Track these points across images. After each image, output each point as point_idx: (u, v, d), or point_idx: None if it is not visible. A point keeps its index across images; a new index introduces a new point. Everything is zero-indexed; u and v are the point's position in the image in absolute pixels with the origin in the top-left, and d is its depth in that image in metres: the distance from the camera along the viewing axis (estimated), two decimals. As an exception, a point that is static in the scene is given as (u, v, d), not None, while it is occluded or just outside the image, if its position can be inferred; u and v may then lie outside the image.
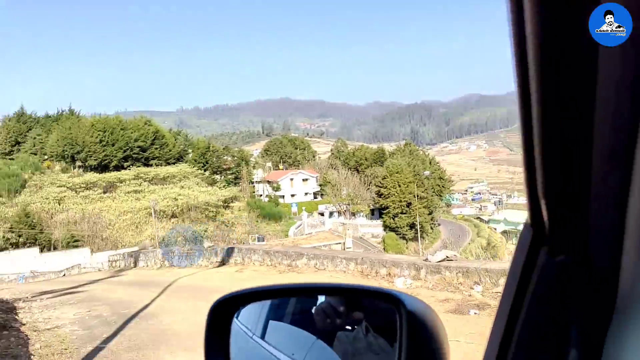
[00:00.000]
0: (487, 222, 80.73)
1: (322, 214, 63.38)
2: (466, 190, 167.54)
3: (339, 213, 65.07)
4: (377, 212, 64.17)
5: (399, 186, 58.43)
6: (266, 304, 1.62)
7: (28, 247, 39.85)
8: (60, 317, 10.69)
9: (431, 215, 62.19)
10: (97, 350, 7.59)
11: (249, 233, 49.49)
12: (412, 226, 58.40)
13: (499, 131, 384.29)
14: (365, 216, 62.79)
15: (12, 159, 60.86)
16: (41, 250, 40.28)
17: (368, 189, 65.47)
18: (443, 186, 70.99)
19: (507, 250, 60.73)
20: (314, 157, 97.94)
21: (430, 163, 73.43)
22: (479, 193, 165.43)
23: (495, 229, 73.64)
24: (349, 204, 63.29)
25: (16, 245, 39.72)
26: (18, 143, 66.11)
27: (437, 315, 1.13)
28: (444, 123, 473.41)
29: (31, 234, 40.17)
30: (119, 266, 22.65)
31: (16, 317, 10.66)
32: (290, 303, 1.61)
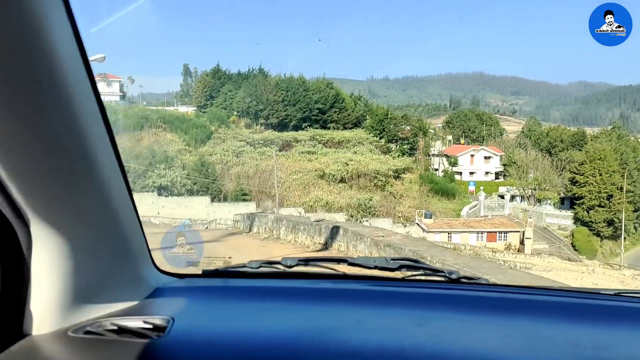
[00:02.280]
0: None
1: (502, 197, 57.18)
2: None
3: (522, 198, 58.16)
4: (568, 201, 55.96)
5: (600, 175, 49.71)
6: None
7: (201, 195, 41.67)
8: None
9: (637, 212, 52.23)
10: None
11: (416, 207, 46.16)
12: (610, 223, 49.61)
13: None
14: (553, 205, 55.08)
15: (206, 112, 65.00)
16: (212, 200, 41.86)
17: (560, 174, 57.24)
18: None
19: None
20: (501, 134, 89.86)
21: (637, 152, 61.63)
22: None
23: None
24: (535, 189, 56.05)
25: (191, 192, 41.77)
26: (212, 97, 70.49)
27: None
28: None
29: (205, 183, 41.89)
30: (239, 227, 21.51)
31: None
32: None
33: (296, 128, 62.61)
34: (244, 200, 42.28)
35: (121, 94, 74.41)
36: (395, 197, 49.08)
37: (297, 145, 56.18)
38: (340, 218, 42.58)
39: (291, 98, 63.45)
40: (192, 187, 41.92)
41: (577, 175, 51.38)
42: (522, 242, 40.12)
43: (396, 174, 52.69)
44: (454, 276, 1.67)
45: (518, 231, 40.47)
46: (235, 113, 65.08)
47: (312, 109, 64.13)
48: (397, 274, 1.70)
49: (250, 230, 19.31)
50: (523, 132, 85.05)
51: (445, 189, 53.00)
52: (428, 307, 1.52)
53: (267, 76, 68.71)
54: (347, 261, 1.79)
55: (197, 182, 41.89)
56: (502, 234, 40.64)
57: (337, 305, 1.56)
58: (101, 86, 71.56)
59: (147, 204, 40.82)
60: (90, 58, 1.07)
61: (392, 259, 1.78)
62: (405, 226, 42.25)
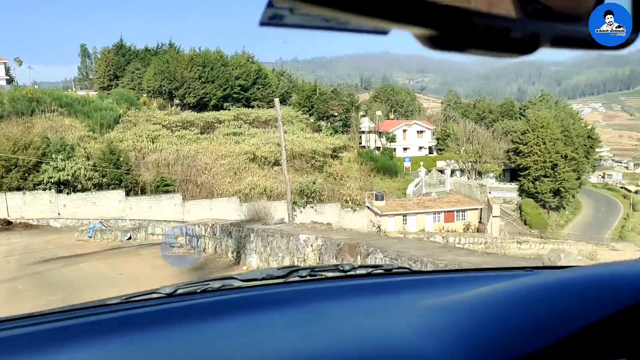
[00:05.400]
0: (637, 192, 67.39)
1: (441, 172, 54.24)
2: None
3: (462, 171, 55.64)
4: (509, 173, 54.11)
5: (544, 143, 47.83)
6: None
7: (113, 189, 34.63)
8: None
9: (579, 180, 51.16)
10: None
11: (362, 189, 41.72)
12: (556, 192, 48.00)
13: (619, 93, 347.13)
14: (495, 177, 52.85)
15: (110, 93, 56.70)
16: (127, 194, 34.96)
17: (499, 145, 55.34)
18: (591, 146, 58.86)
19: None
20: (419, 110, 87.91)
21: (575, 119, 61.15)
22: (600, 159, 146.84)
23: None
24: (475, 162, 53.53)
25: (100, 187, 34.57)
26: (117, 77, 62.04)
27: None
28: (555, 82, 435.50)
29: (117, 175, 34.78)
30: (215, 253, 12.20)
31: None
32: None
33: (217, 108, 56.09)
34: (167, 191, 35.68)
35: (7, 77, 63.92)
36: (335, 179, 44.36)
37: (220, 126, 49.83)
38: (281, 206, 37.20)
39: (209, 74, 56.65)
40: (100, 180, 34.58)
41: (520, 145, 49.27)
42: (480, 221, 36.94)
43: (334, 154, 47.94)
44: (346, 267, 1.68)
45: (477, 209, 37.18)
46: (146, 94, 57.33)
47: (233, 86, 57.78)
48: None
49: (237, 259, 11.11)
50: (449, 104, 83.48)
51: (387, 166, 49.03)
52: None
53: (179, 52, 61.15)
54: (236, 278, 1.71)
55: (106, 174, 34.64)
56: (460, 213, 37.18)
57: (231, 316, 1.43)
58: (-19, 69, 60.90)
59: (44, 205, 33.22)
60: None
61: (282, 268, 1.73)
62: (355, 210, 37.70)
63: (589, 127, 61.26)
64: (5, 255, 15.83)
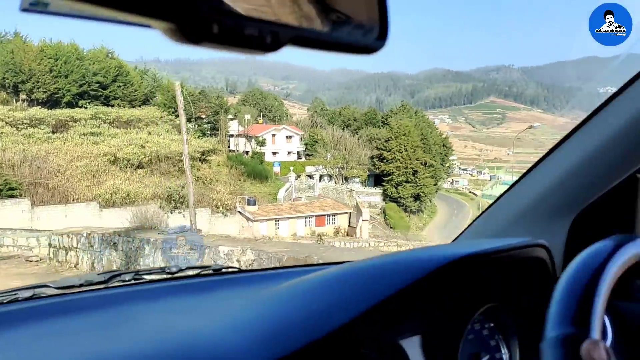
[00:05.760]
0: (482, 196, 74.20)
1: (310, 177, 54.90)
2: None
3: (330, 177, 56.83)
4: (373, 178, 56.38)
5: (406, 150, 50.54)
6: None
7: (-58, 193, 29.88)
8: None
9: (437, 186, 54.82)
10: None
11: (233, 193, 40.65)
12: (416, 197, 50.91)
13: (463, 107, 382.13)
14: (361, 182, 54.74)
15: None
16: (-39, 200, 30.36)
17: (364, 151, 57.46)
18: (446, 154, 63.54)
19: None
20: (287, 116, 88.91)
21: (432, 128, 65.63)
22: (450, 167, 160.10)
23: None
24: (342, 167, 54.99)
25: None
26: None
27: None
28: (409, 94, 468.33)
29: (-53, 177, 30.09)
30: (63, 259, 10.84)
31: None
32: None
33: (71, 105, 51.44)
34: (12, 196, 31.53)
35: None
36: (204, 183, 42.73)
37: (75, 125, 45.63)
38: (148, 211, 34.84)
39: (62, 68, 51.82)
40: None
41: (384, 152, 51.52)
42: (350, 225, 37.77)
43: (202, 157, 46.24)
44: (173, 269, 1.65)
45: (346, 213, 37.98)
46: (-16, 87, 50.84)
47: (90, 83, 53.43)
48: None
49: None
50: (315, 111, 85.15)
51: (257, 171, 48.43)
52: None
53: (26, 42, 55.09)
54: (49, 286, 1.58)
55: None
56: (331, 217, 37.70)
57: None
58: None
59: None
60: None
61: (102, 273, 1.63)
62: (226, 216, 36.53)
63: (443, 136, 66.38)
64: None
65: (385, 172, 51.28)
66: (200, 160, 45.81)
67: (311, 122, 76.38)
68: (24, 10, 0.41)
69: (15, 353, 1.16)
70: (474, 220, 1.89)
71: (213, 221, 35.43)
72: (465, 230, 1.90)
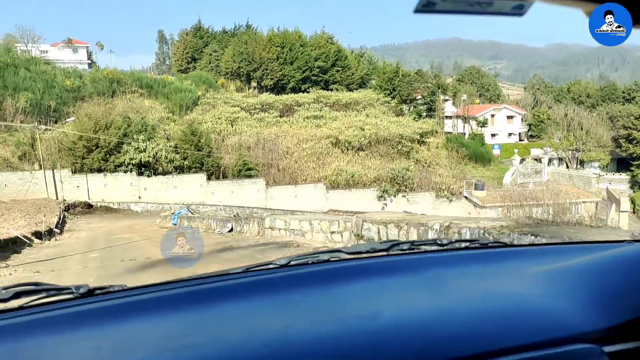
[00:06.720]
0: None
1: (537, 160, 49.36)
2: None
3: (560, 160, 50.54)
4: (616, 162, 48.60)
5: (664, 129, 42.22)
6: None
7: (194, 172, 32.85)
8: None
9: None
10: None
11: (456, 177, 38.06)
12: (676, 185, 42.41)
13: None
14: (602, 167, 47.47)
15: (189, 75, 55.63)
16: (209, 178, 33.09)
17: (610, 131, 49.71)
18: None
19: None
20: (501, 96, 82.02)
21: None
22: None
23: None
24: (577, 150, 48.35)
25: (181, 170, 32.88)
26: (194, 60, 61.03)
27: None
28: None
29: (198, 157, 32.95)
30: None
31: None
32: None
33: (295, 90, 53.84)
34: (249, 176, 33.55)
35: (89, 61, 64.30)
36: (423, 166, 40.90)
37: (300, 109, 47.40)
38: (370, 194, 34.36)
39: (287, 55, 54.46)
40: (182, 163, 32.91)
41: (634, 132, 43.75)
42: (596, 216, 32.44)
43: (421, 139, 44.41)
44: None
45: (593, 202, 32.73)
46: (224, 76, 55.90)
47: (312, 68, 55.28)
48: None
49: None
50: (538, 89, 77.24)
51: (479, 153, 45.01)
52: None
53: (257, 33, 59.19)
54: (342, 251, 1.74)
55: (187, 157, 32.91)
56: (572, 207, 32.80)
57: None
58: (66, 53, 61.38)
59: (125, 187, 31.92)
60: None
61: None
62: (451, 201, 34.22)
63: None
64: (85, 250, 13.62)
65: (635, 155, 43.52)
66: (418, 142, 44.11)
67: (534, 100, 69.42)
68: (417, 11, 0.44)
69: (341, 305, 1.29)
70: None
71: (437, 206, 33.46)
72: None
